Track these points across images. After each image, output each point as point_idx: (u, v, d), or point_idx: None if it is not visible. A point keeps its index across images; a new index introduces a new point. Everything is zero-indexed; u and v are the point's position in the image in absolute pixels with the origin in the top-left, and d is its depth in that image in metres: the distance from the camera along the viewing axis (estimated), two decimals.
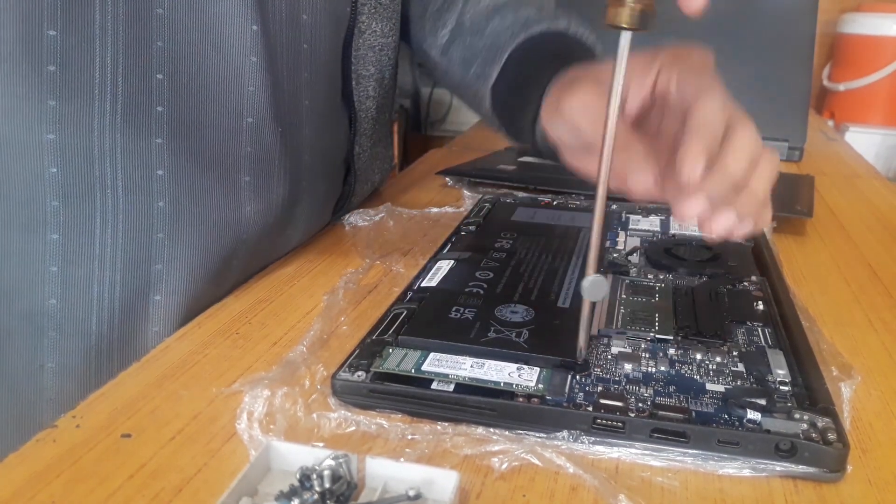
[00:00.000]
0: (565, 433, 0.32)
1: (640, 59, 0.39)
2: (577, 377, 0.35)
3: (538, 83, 0.48)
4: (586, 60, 0.49)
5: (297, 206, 0.53)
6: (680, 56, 0.39)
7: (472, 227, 0.57)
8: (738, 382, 0.35)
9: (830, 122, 2.41)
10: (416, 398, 0.34)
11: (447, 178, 0.76)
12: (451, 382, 0.34)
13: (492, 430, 0.32)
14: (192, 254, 0.45)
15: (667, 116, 0.38)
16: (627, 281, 0.47)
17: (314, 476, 0.26)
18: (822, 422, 0.31)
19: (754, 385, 0.35)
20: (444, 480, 0.27)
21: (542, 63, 0.50)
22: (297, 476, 0.26)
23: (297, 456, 0.28)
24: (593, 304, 0.35)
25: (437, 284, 0.45)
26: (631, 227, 0.59)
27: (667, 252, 0.52)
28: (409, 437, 0.32)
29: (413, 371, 0.35)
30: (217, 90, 0.44)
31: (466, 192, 0.71)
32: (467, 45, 0.60)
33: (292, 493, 0.25)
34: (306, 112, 0.51)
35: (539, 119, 0.48)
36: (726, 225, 0.35)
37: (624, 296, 0.45)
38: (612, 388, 0.35)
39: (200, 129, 0.44)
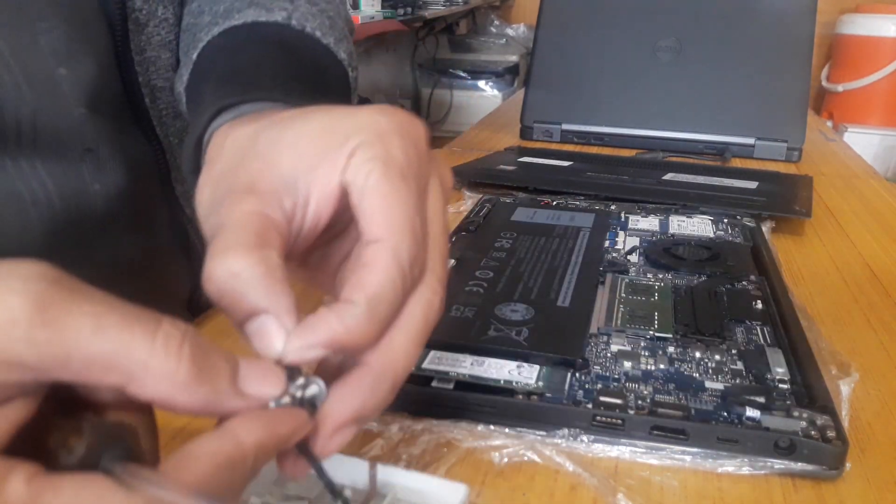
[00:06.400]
0: (565, 431, 0.32)
1: (324, 129, 0.25)
2: (577, 375, 0.35)
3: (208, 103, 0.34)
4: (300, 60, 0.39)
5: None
6: (384, 137, 0.24)
7: (472, 227, 0.57)
8: (738, 380, 0.35)
9: (829, 123, 2.42)
10: (415, 396, 0.34)
11: None
12: (450, 380, 0.34)
13: (491, 427, 0.32)
14: None
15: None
16: (627, 280, 0.47)
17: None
18: (821, 419, 0.31)
19: (753, 383, 0.35)
20: (453, 493, 0.27)
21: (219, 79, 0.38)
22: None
23: None
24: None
25: None
26: (630, 226, 0.59)
27: (666, 251, 0.52)
28: (409, 435, 0.32)
29: (413, 369, 0.35)
30: None
31: (467, 192, 0.71)
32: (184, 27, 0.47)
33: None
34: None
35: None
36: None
37: (623, 295, 0.45)
38: (612, 386, 0.35)
39: None
